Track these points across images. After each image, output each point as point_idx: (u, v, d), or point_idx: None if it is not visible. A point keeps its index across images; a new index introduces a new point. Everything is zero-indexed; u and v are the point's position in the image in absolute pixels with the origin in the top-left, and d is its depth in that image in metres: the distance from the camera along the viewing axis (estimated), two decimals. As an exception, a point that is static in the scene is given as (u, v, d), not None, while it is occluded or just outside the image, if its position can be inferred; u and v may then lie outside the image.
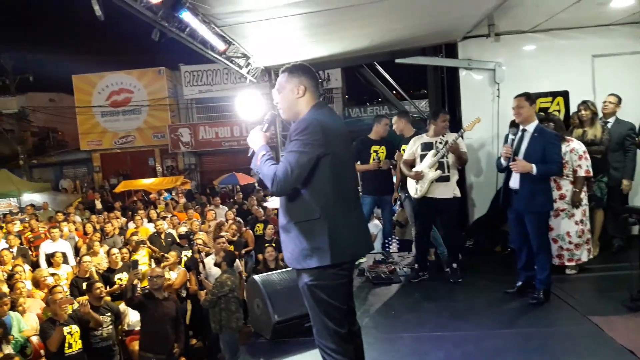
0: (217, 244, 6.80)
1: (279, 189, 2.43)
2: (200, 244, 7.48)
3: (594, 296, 4.57)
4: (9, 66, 21.61)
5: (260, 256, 7.53)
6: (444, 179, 5.10)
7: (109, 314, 5.58)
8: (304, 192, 2.49)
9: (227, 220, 9.99)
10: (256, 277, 4.35)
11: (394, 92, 9.63)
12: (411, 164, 5.28)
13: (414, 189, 5.25)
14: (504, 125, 6.21)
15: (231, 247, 7.20)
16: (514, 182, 4.48)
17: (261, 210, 11.22)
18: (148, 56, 24.45)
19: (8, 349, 4.95)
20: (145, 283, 6.85)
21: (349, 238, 2.53)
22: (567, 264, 5.06)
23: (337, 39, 5.72)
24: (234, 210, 11.71)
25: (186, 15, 3.61)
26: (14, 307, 5.67)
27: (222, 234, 7.93)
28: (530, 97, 4.52)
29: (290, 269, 4.81)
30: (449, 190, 5.15)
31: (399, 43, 6.41)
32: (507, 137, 4.75)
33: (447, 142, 5.05)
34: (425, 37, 6.31)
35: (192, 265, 7.17)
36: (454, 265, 5.23)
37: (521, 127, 4.55)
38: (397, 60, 6.75)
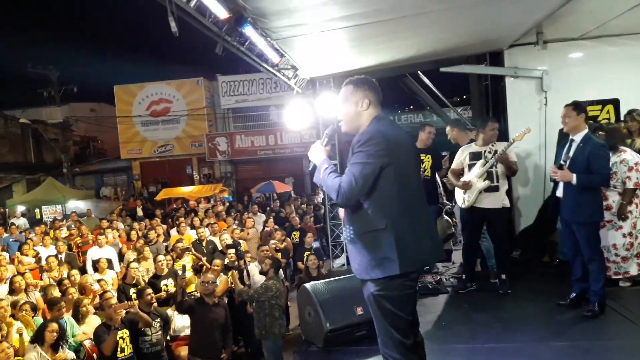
0: (261, 252, 6.87)
1: (344, 200, 2.48)
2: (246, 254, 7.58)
3: (651, 310, 4.42)
4: (54, 78, 22.48)
5: (300, 264, 7.58)
6: (492, 189, 5.04)
7: (158, 319, 5.69)
8: (369, 203, 2.51)
9: (266, 228, 10.12)
10: (307, 285, 4.40)
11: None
12: (459, 174, 5.25)
13: (462, 198, 5.20)
14: (552, 134, 6.12)
15: (278, 255, 7.28)
16: (560, 191, 4.43)
17: (297, 218, 11.32)
18: (186, 67, 25.05)
19: (67, 351, 5.12)
20: (190, 289, 7.00)
21: (416, 246, 2.53)
22: (613, 277, 4.92)
23: (384, 50, 5.76)
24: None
25: (248, 30, 3.73)
26: (76, 310, 5.87)
27: (272, 242, 8.00)
28: (578, 107, 4.45)
29: (339, 278, 4.89)
30: (498, 201, 5.08)
31: (445, 52, 6.40)
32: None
33: (496, 151, 5.00)
34: (472, 46, 6.28)
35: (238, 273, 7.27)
36: (503, 276, 5.15)
37: (570, 137, 4.48)
38: (442, 69, 6.73)
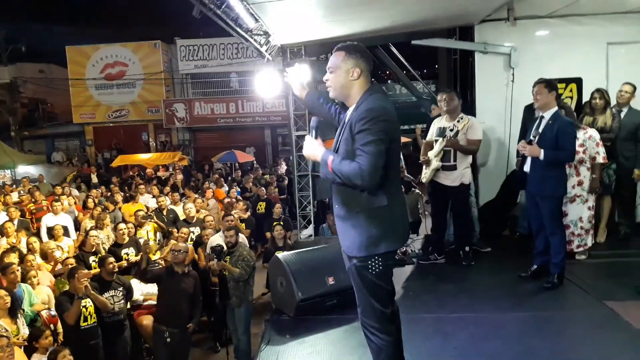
0: (225, 222, 6.79)
1: (371, 180, 2.37)
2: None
3: (606, 282, 4.65)
4: (1, 36, 21.09)
5: (268, 235, 7.54)
6: (449, 167, 5.11)
7: (120, 288, 5.58)
8: None
9: (227, 199, 9.99)
10: (280, 255, 4.39)
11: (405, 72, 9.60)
12: (431, 147, 5.29)
13: (423, 173, 5.29)
14: (517, 110, 6.26)
15: (242, 225, 7.22)
16: (527, 166, 4.56)
17: (263, 189, 11.25)
18: (142, 29, 23.93)
19: (21, 322, 4.94)
20: (152, 257, 6.87)
21: (403, 222, 2.60)
22: (575, 250, 5.15)
23: (358, 19, 5.67)
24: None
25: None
26: (24, 280, 5.65)
27: (234, 212, 7.92)
28: (550, 84, 4.53)
29: (310, 248, 4.90)
30: (456, 179, 5.13)
31: (418, 24, 6.37)
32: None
33: (458, 131, 5.06)
34: (445, 19, 6.28)
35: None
36: (466, 248, 5.30)
37: (540, 114, 4.58)
38: (413, 42, 6.71)
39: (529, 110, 5.72)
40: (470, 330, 3.69)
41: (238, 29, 4.82)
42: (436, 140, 5.19)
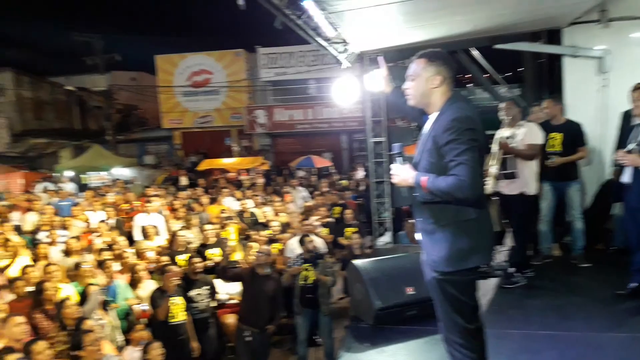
0: (305, 225, 6.92)
1: (474, 190, 2.33)
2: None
3: None
4: (99, 46, 22.85)
5: (341, 240, 7.59)
6: (508, 175, 4.84)
7: (205, 287, 5.86)
8: None
9: (308, 203, 10.18)
10: (357, 262, 4.41)
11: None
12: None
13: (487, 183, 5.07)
14: (611, 116, 5.85)
15: (325, 230, 7.30)
16: (627, 177, 4.24)
17: (338, 193, 11.34)
18: (224, 38, 25.01)
19: (111, 316, 5.31)
20: (233, 257, 7.14)
21: (492, 234, 2.53)
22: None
23: (439, 25, 5.58)
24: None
25: (307, 2, 3.67)
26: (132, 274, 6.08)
27: (315, 217, 8.04)
28: (649, 90, 4.21)
29: (388, 257, 4.89)
30: (516, 187, 4.84)
31: (501, 29, 6.16)
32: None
33: (517, 138, 4.82)
34: (530, 23, 6.03)
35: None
36: (510, 269, 4.92)
37: (637, 121, 4.27)
38: (496, 46, 6.50)
39: (627, 117, 5.34)
40: (561, 350, 3.50)
41: (317, 38, 4.92)
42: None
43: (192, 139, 23.56)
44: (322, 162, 17.97)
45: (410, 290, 4.17)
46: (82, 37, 22.78)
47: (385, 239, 7.50)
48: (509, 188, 4.90)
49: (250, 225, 8.61)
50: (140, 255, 6.87)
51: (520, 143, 4.84)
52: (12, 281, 5.67)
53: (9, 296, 5.35)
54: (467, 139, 2.34)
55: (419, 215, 2.60)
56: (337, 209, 10.31)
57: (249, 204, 9.69)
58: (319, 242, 6.73)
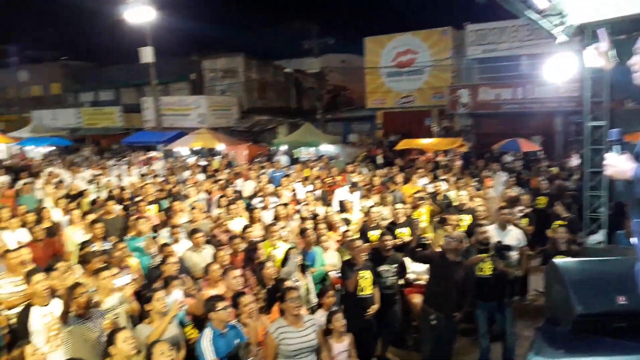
0: (502, 214, 6.50)
1: None
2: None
3: None
4: (314, 32, 24.62)
5: (548, 233, 6.92)
6: None
7: (395, 264, 5.99)
8: None
9: (509, 191, 9.53)
10: (558, 261, 3.99)
11: None
12: None
13: None
14: None
15: (525, 221, 6.81)
16: None
17: (546, 181, 10.33)
18: (432, 16, 24.53)
19: (308, 280, 5.79)
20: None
21: None
22: None
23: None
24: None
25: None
26: (317, 244, 6.60)
27: (518, 208, 7.54)
28: None
29: (598, 259, 4.31)
30: None
31: None
32: None
33: None
34: None
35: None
36: None
37: None
38: None
39: None
40: None
41: (527, 11, 4.46)
42: None
43: (393, 119, 23.96)
44: (529, 146, 16.52)
45: (621, 300, 3.60)
46: (299, 24, 24.83)
47: (598, 237, 6.60)
48: None
49: (443, 208, 8.44)
50: (332, 226, 7.32)
51: None
52: (232, 238, 6.63)
53: (229, 250, 6.29)
54: None
55: (636, 215, 2.22)
56: (543, 199, 9.43)
57: (443, 186, 9.49)
58: (516, 234, 6.27)
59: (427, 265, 5.80)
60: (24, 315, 4.49)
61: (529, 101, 19.98)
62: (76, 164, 16.25)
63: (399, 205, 7.67)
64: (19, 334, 4.44)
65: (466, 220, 7.58)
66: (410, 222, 7.36)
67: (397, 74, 23.60)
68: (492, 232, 6.60)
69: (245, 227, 6.94)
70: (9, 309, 5.22)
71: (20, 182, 12.01)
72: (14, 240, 7.09)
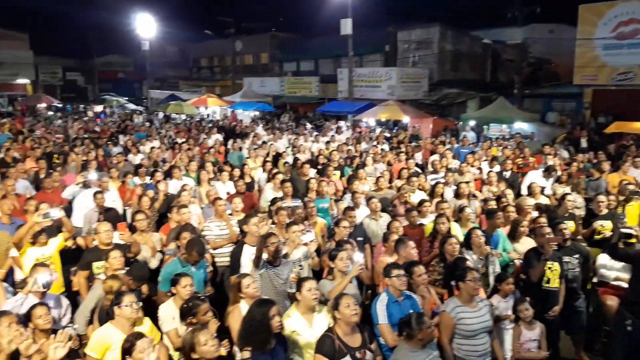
0: None
1: None
2: None
3: None
4: (518, -2, 22.57)
5: None
6: None
7: (576, 255, 5.48)
8: None
9: None
10: None
11: None
12: None
13: None
14: None
15: None
16: None
17: None
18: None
19: (491, 263, 5.54)
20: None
21: None
22: None
23: None
24: None
25: None
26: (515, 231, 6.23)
27: None
28: None
29: None
30: None
31: None
32: None
33: None
34: None
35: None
36: None
37: None
38: None
39: None
40: None
41: None
42: None
43: (605, 97, 20.90)
44: None
45: None
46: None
47: None
48: None
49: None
50: (521, 211, 6.85)
51: None
52: (408, 210, 6.71)
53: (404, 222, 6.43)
54: None
55: None
56: None
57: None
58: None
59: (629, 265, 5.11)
60: (238, 251, 5.40)
61: None
62: (277, 128, 18.01)
63: (601, 197, 6.85)
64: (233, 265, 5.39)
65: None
66: (612, 215, 6.55)
67: (616, 47, 20.45)
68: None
69: (422, 202, 6.94)
70: (214, 249, 6.20)
71: (230, 141, 13.86)
72: (224, 191, 8.29)
